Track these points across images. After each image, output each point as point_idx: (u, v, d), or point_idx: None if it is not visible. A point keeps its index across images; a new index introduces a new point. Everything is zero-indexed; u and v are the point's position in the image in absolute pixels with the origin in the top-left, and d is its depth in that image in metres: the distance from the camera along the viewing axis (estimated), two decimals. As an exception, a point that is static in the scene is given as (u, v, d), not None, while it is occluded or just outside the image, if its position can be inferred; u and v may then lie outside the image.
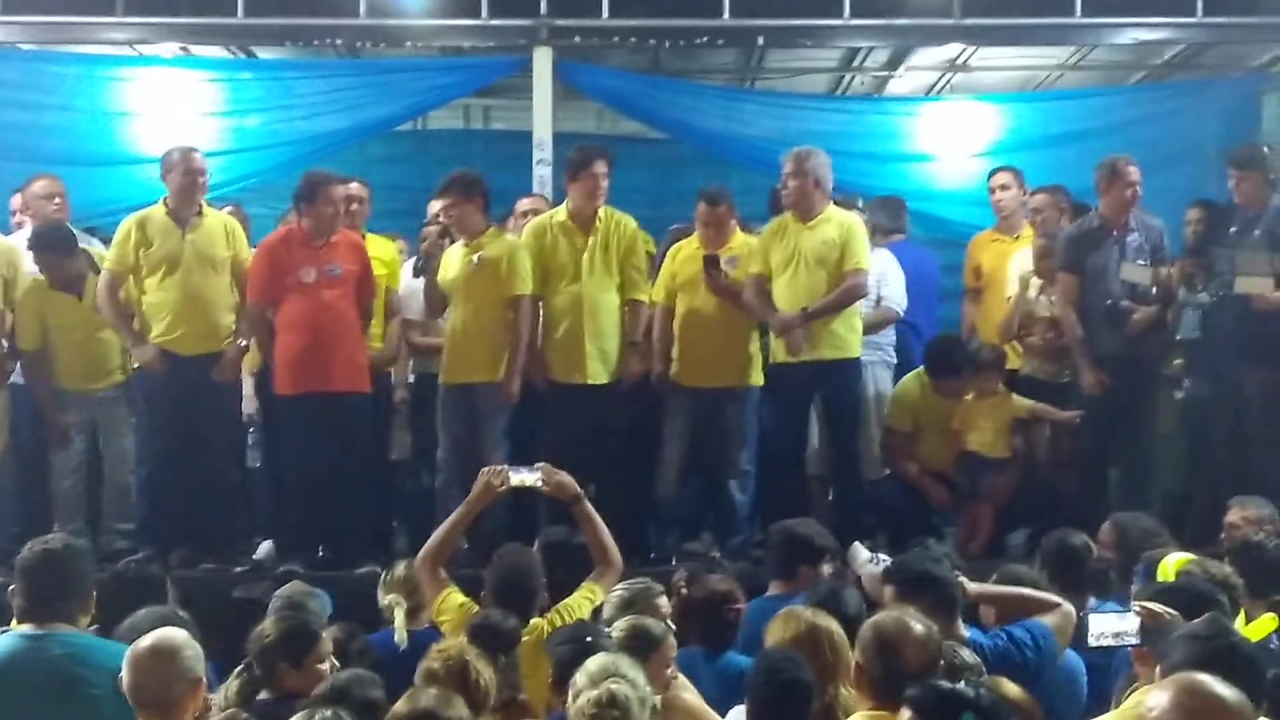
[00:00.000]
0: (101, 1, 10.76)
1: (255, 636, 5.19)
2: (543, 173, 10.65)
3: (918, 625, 4.50)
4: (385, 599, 6.41)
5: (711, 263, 8.50)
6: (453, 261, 8.48)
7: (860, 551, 6.70)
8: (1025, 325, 9.00)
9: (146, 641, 4.36)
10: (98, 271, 8.39)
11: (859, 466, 8.73)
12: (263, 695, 5.08)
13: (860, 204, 9.33)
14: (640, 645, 5.14)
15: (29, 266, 8.55)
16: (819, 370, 8.43)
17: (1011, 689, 4.45)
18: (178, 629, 4.55)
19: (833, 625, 5.10)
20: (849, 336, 8.52)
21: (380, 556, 8.09)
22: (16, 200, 9.22)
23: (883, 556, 6.69)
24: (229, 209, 9.17)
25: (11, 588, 4.89)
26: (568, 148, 9.30)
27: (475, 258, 8.34)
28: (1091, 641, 5.16)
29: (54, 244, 8.38)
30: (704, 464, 8.71)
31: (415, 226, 9.08)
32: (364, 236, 8.83)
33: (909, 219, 10.00)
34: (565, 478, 6.22)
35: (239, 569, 8.25)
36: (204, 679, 4.39)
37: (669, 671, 5.27)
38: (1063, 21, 11.06)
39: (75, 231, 8.66)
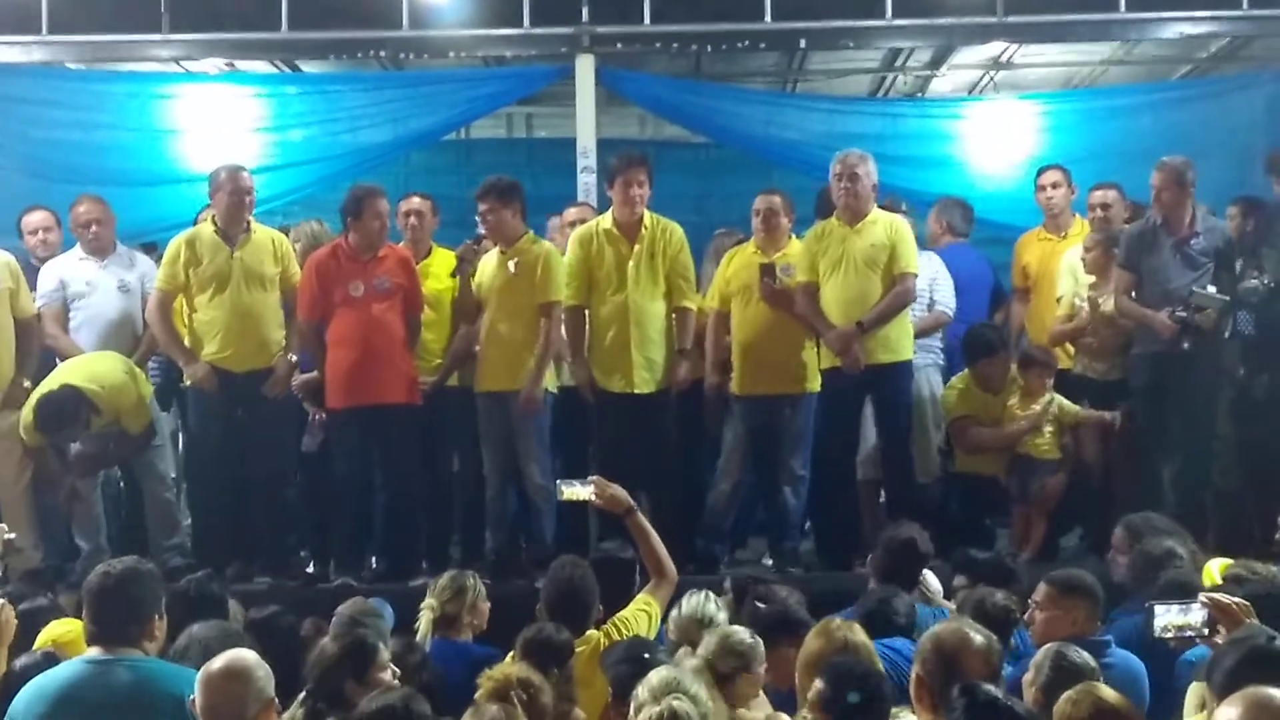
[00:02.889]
0: (147, 19, 10.84)
1: (315, 659, 5.19)
2: (587, 180, 10.65)
3: (977, 635, 4.47)
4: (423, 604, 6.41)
5: (767, 271, 8.47)
6: (488, 268, 8.48)
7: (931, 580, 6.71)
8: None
9: (219, 663, 4.37)
10: (98, 413, 8.24)
11: (911, 470, 8.69)
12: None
13: (904, 207, 9.29)
14: (732, 663, 5.13)
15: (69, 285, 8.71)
16: (871, 374, 8.41)
17: (1109, 694, 4.38)
18: (246, 649, 4.56)
19: (865, 640, 5.09)
20: (900, 339, 8.50)
21: (436, 568, 8.13)
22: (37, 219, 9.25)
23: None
24: (314, 224, 9.20)
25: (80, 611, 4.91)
26: (611, 154, 9.29)
27: (511, 264, 8.34)
28: (1156, 634, 5.08)
29: (52, 425, 8.23)
30: (758, 470, 8.69)
31: (460, 237, 9.10)
32: (431, 250, 8.86)
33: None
34: (618, 491, 6.22)
35: (293, 583, 8.29)
36: (275, 699, 4.40)
37: (757, 691, 5.25)
38: (1106, 17, 11.00)
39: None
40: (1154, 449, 8.64)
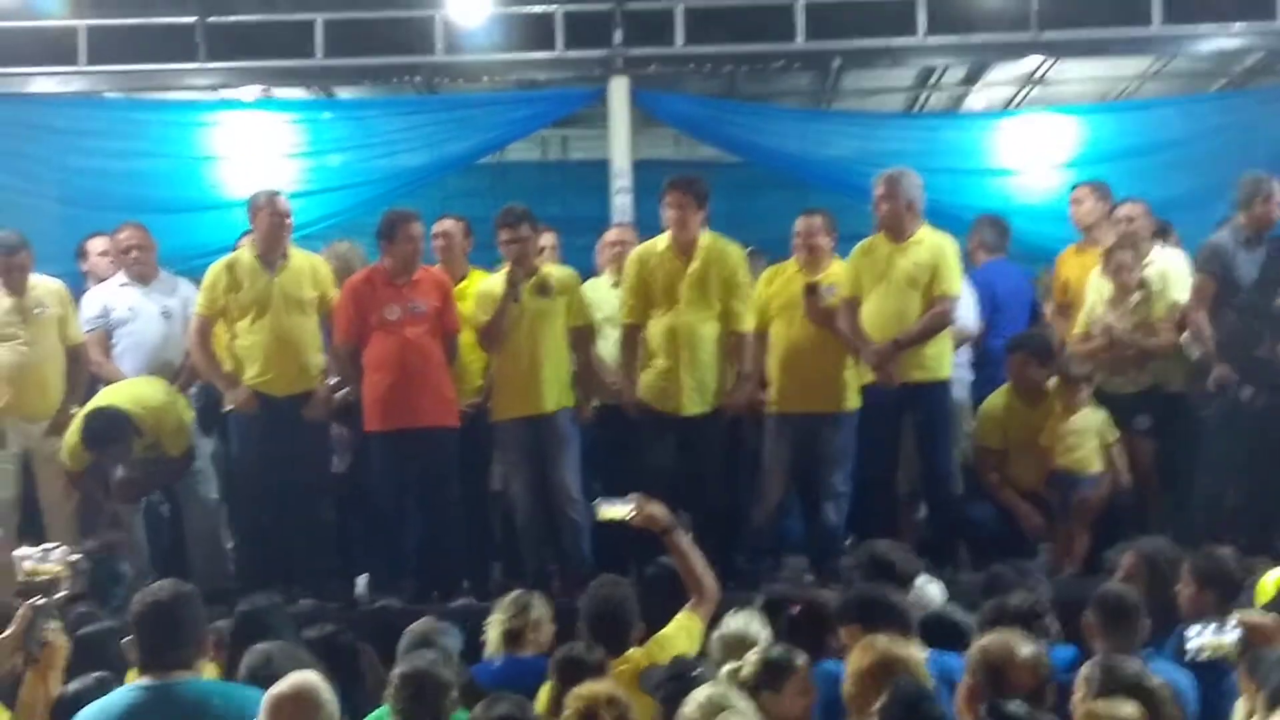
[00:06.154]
0: (184, 48, 10.96)
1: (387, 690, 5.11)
2: (623, 201, 10.68)
3: (1025, 646, 4.42)
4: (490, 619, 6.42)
5: (812, 290, 8.46)
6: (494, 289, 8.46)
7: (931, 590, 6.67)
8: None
9: (286, 687, 4.37)
10: (140, 435, 8.31)
11: (951, 487, 8.66)
12: None
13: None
14: (772, 677, 5.11)
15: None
16: (909, 392, 8.38)
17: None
18: (312, 671, 4.55)
19: (910, 654, 5.03)
20: (939, 358, 8.46)
21: (477, 589, 8.16)
22: (102, 243, 9.38)
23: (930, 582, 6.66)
24: (344, 245, 9.26)
25: (126, 639, 4.91)
26: (646, 175, 9.32)
27: (538, 289, 8.35)
28: (1189, 655, 5.04)
29: (98, 442, 8.26)
30: (801, 487, 8.67)
31: (494, 259, 9.14)
32: (467, 272, 8.89)
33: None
34: (658, 509, 6.20)
35: (334, 605, 8.31)
36: None
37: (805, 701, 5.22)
38: (1142, 32, 10.99)
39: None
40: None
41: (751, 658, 5.29)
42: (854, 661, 5.04)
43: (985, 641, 4.51)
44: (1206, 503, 8.58)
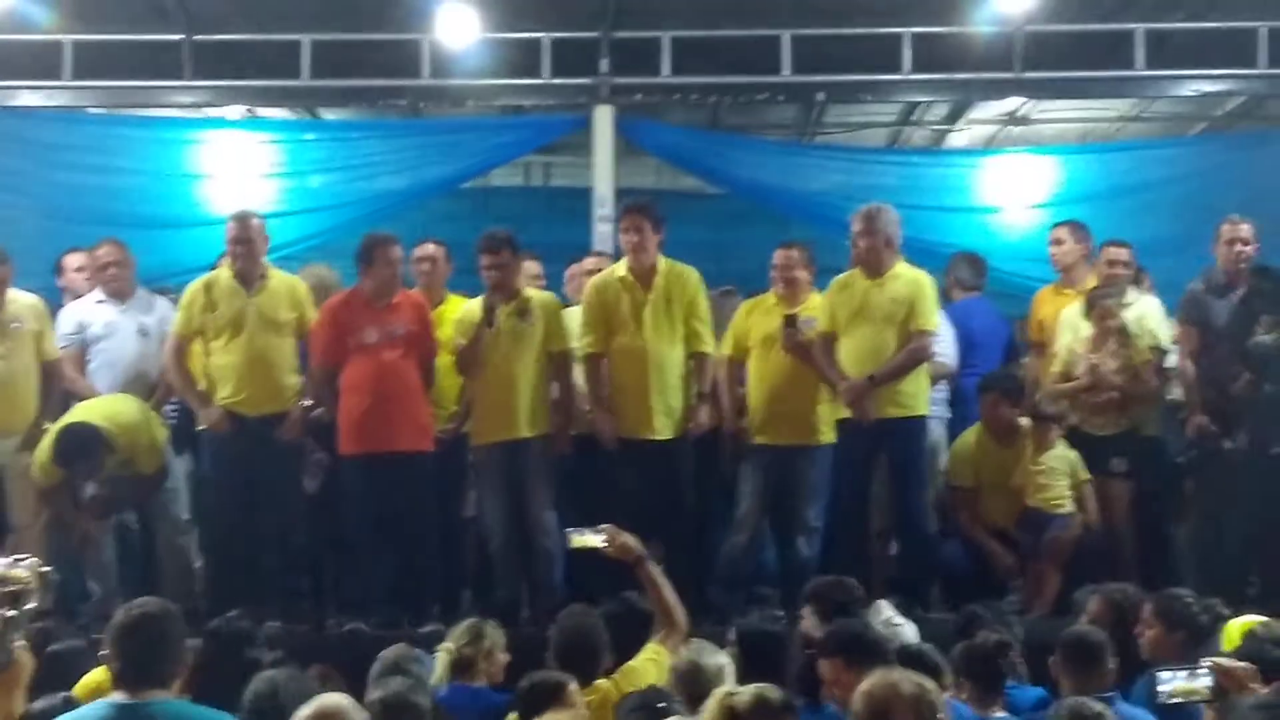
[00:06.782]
0: (169, 65, 10.96)
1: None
2: (604, 229, 10.69)
3: (908, 685, 4.27)
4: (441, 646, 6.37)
5: (790, 323, 8.47)
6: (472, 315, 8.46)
7: (883, 609, 6.64)
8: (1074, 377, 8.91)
9: (311, 712, 4.36)
10: (112, 451, 8.25)
11: (924, 524, 8.65)
12: None
13: None
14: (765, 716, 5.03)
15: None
16: (885, 428, 8.38)
17: None
18: (340, 694, 4.53)
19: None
20: (915, 395, 8.47)
21: (447, 615, 8.12)
22: (79, 259, 9.35)
23: (899, 620, 6.64)
24: (321, 268, 9.25)
25: (103, 653, 4.85)
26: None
27: (517, 313, 8.35)
28: (1161, 699, 5.05)
29: (69, 457, 8.21)
30: (773, 520, 8.67)
31: (476, 284, 9.14)
32: (445, 297, 8.88)
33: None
34: (629, 539, 6.19)
35: (303, 627, 8.27)
36: None
37: None
38: (1123, 74, 11.07)
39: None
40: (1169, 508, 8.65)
41: (747, 691, 5.12)
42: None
43: (868, 683, 4.33)
44: (1196, 548, 8.63)
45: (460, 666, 6.19)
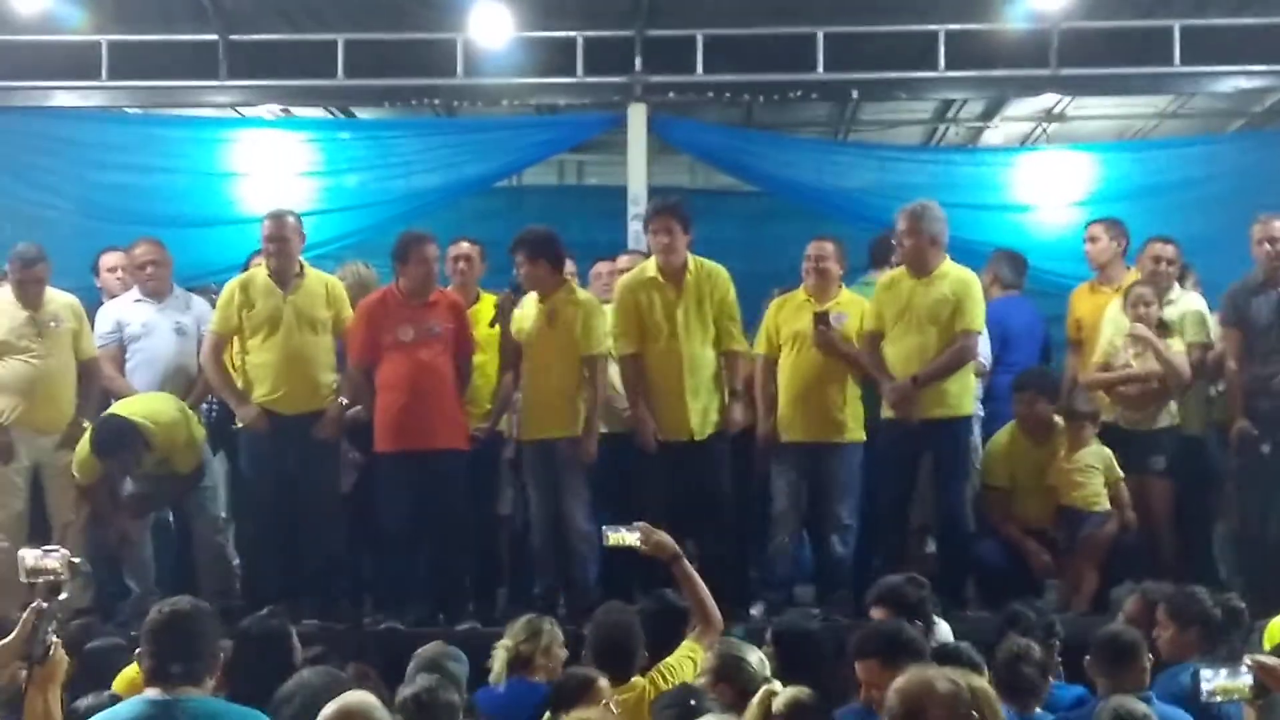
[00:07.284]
0: (205, 65, 10.98)
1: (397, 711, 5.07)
2: (638, 228, 10.65)
3: (943, 682, 4.23)
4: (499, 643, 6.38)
5: (821, 319, 8.46)
6: (527, 315, 8.51)
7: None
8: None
9: (336, 710, 4.37)
10: (150, 449, 8.35)
11: (965, 524, 8.63)
12: None
13: None
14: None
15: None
16: (930, 429, 8.38)
17: None
18: (365, 692, 4.54)
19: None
20: (961, 395, 8.46)
21: (483, 613, 8.15)
22: (116, 258, 9.42)
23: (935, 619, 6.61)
24: (360, 266, 9.29)
25: (138, 650, 4.87)
26: (661, 202, 9.29)
27: (548, 314, 8.37)
28: (1204, 698, 5.04)
29: (108, 449, 8.29)
30: (808, 518, 8.66)
31: (508, 283, 9.14)
32: (479, 295, 8.90)
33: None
34: (664, 537, 6.19)
35: (340, 625, 8.29)
36: None
37: None
38: (1161, 70, 10.95)
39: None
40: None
41: (786, 694, 5.11)
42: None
43: (902, 680, 4.29)
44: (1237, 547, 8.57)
45: (518, 663, 6.21)
